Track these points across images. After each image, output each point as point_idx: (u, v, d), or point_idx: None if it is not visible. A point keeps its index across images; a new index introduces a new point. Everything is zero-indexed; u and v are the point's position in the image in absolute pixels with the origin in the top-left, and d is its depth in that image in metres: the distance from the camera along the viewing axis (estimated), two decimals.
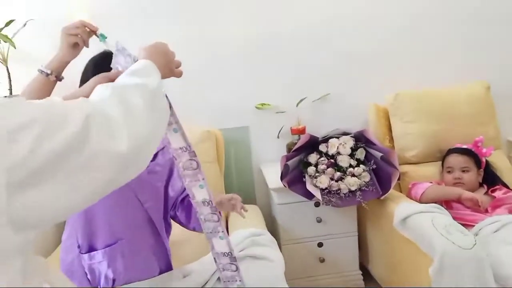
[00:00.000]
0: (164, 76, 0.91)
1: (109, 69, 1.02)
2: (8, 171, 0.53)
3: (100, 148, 0.63)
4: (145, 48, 0.92)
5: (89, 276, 1.26)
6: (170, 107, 0.94)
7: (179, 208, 1.42)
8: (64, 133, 0.60)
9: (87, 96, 0.81)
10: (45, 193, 0.58)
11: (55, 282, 0.71)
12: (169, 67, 0.95)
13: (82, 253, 1.26)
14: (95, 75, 1.04)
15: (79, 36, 1.10)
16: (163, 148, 1.38)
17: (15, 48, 1.88)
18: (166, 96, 0.97)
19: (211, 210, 1.09)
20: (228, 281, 1.16)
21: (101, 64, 1.15)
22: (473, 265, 1.37)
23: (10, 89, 1.93)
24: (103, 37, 1.06)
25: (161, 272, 1.34)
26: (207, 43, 2.15)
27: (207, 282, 1.35)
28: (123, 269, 1.26)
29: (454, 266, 1.37)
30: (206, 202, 1.07)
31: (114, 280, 1.26)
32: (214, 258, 1.16)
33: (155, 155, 1.36)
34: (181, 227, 1.46)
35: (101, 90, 0.74)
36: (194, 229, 1.41)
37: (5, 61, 1.93)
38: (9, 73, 1.94)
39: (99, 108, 0.67)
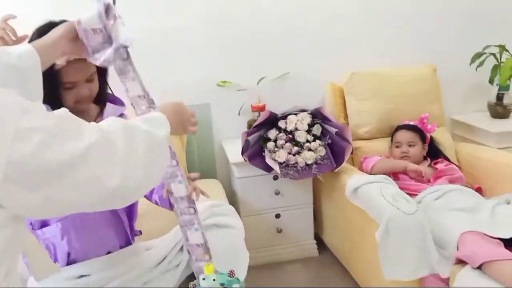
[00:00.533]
0: (177, 133, 1.02)
1: None
2: (7, 164, 0.57)
3: (93, 175, 0.67)
4: (163, 106, 1.02)
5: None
6: (128, 57, 1.02)
7: None
8: (67, 147, 0.63)
9: (49, 46, 0.89)
10: (31, 199, 0.62)
11: (30, 250, 0.75)
12: (183, 126, 1.06)
13: (34, 230, 1.26)
14: None
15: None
16: (121, 115, 1.36)
17: None
18: (127, 51, 1.01)
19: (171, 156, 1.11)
20: (186, 225, 1.19)
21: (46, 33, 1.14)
22: (415, 229, 1.49)
23: None
24: None
25: (121, 247, 1.35)
26: (169, 21, 2.14)
27: (166, 257, 1.37)
28: (78, 243, 1.26)
29: (398, 230, 1.49)
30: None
31: (69, 254, 1.26)
32: (173, 204, 1.19)
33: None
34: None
35: (113, 122, 0.78)
36: (156, 203, 1.41)
37: None
38: None
39: (107, 136, 0.71)
